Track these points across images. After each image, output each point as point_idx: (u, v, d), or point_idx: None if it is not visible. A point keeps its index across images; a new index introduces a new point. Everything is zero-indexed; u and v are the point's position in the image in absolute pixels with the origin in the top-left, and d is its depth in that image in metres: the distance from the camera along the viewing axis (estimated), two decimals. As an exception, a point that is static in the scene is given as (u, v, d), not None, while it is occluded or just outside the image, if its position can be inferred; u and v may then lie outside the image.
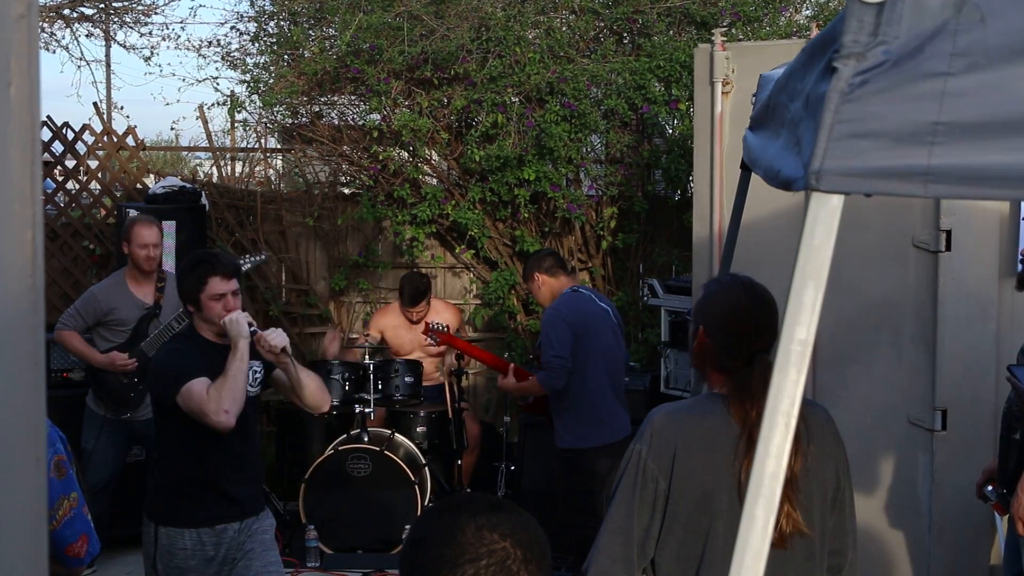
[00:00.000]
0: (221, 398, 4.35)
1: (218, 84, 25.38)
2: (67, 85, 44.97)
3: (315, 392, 4.77)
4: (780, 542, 2.81)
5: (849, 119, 1.69)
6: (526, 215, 8.53)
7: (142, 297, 6.66)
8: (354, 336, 8.40)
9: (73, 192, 8.99)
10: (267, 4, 9.71)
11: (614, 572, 2.91)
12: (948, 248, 5.48)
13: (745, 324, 2.94)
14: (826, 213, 1.69)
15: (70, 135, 8.83)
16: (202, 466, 4.56)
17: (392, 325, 8.00)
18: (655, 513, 2.90)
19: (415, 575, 1.65)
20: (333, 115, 9.38)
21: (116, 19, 14.80)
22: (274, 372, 4.76)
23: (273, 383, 4.83)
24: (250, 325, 4.50)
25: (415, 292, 7.81)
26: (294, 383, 4.68)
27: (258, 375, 4.70)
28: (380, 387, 7.43)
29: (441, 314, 7.91)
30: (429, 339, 7.31)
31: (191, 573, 4.55)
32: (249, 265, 6.95)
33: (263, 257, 7.18)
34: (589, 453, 6.26)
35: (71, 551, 3.29)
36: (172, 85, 35.53)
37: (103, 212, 9.03)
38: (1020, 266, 4.73)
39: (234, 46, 10.01)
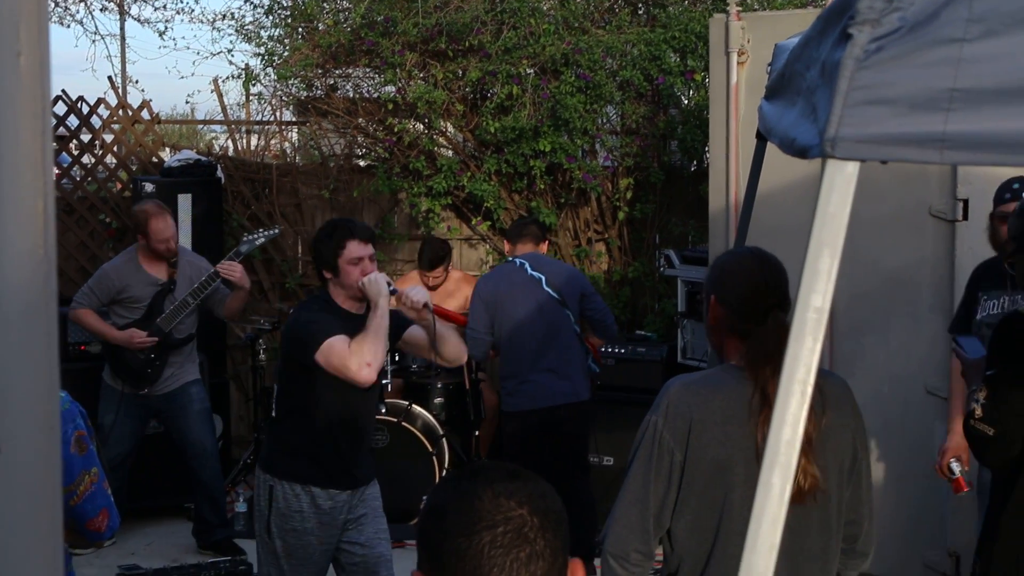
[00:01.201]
0: (363, 352, 4.34)
1: (232, 57, 25.38)
2: (82, 59, 44.94)
3: (456, 345, 4.80)
4: (799, 497, 2.75)
5: (864, 86, 1.68)
6: (542, 186, 8.51)
7: (155, 274, 6.64)
8: None
9: (89, 166, 9.00)
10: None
11: (630, 542, 2.93)
12: (965, 217, 5.45)
13: (755, 281, 2.96)
14: (842, 180, 1.68)
15: (85, 109, 8.83)
16: (324, 432, 4.57)
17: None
18: (671, 484, 2.91)
19: (431, 542, 1.64)
20: (348, 87, 9.37)
21: (130, -8, 14.77)
22: (404, 334, 4.76)
23: (405, 346, 4.85)
24: (388, 284, 4.48)
25: (433, 256, 7.82)
26: (436, 338, 4.66)
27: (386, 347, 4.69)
28: (397, 358, 7.44)
29: (457, 284, 7.94)
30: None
31: (307, 536, 4.57)
32: (263, 239, 6.96)
33: (276, 230, 7.19)
34: (507, 417, 6.57)
35: (92, 526, 3.30)
36: (187, 58, 35.51)
37: (119, 186, 9.03)
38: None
39: (248, 19, 10.02)
